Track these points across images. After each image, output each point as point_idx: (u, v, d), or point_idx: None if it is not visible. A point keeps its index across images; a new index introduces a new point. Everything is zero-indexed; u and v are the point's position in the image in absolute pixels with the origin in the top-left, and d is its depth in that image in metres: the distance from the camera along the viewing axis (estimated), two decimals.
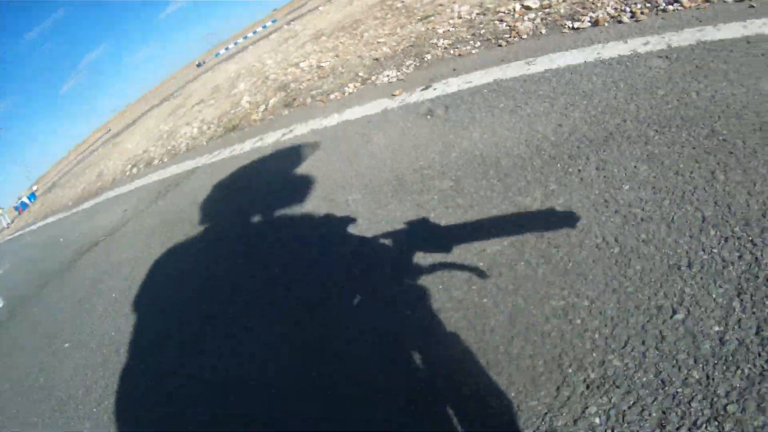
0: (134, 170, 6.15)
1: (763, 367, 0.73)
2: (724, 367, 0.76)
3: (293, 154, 2.73)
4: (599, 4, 2.36)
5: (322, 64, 4.16)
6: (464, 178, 1.61)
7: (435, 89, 2.45)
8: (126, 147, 9.70)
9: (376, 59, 3.51)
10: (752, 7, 1.70)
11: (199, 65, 30.54)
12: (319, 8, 9.08)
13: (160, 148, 6.09)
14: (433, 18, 3.68)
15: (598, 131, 1.48)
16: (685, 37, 1.71)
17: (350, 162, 2.23)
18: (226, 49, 28.62)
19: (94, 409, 1.62)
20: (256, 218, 2.26)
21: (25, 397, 2.04)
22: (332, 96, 3.38)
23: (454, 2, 3.75)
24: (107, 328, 2.16)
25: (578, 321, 0.96)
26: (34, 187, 27.88)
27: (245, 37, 27.83)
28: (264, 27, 19.41)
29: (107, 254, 3.30)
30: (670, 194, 1.13)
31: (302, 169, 2.47)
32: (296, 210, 2.06)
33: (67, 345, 2.28)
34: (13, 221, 19.69)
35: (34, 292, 3.67)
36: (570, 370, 0.88)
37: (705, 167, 1.16)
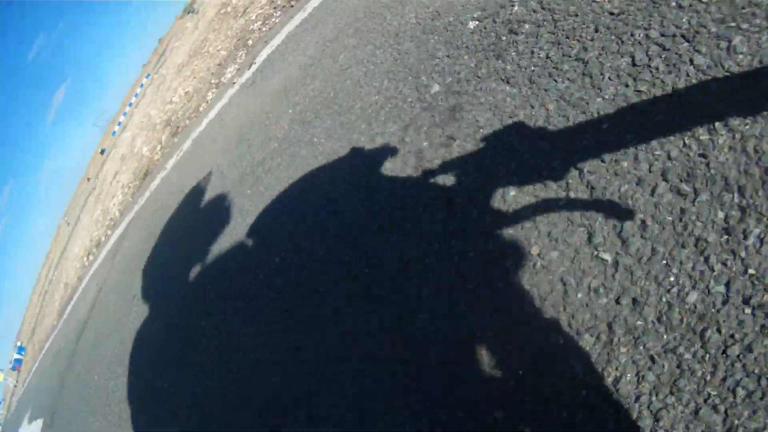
0: (90, 258, 6.71)
1: None
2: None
3: (188, 170, 3.44)
4: None
5: (187, 90, 4.80)
6: (277, 109, 2.38)
7: (255, 64, 3.17)
8: (74, 252, 10.12)
9: (219, 64, 4.18)
10: None
11: (102, 152, 29.85)
12: (175, 44, 9.49)
13: (100, 229, 6.65)
14: (248, 9, 4.35)
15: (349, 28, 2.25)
16: None
17: (216, 142, 2.96)
18: (119, 124, 28.02)
19: None
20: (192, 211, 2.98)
21: None
22: (201, 109, 4.06)
23: None
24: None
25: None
26: (18, 342, 27.36)
27: (130, 104, 27.25)
28: (141, 86, 19.27)
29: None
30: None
31: (196, 170, 3.19)
32: (206, 186, 2.80)
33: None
34: (17, 381, 19.76)
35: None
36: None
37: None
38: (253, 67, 3.15)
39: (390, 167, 1.37)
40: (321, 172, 1.68)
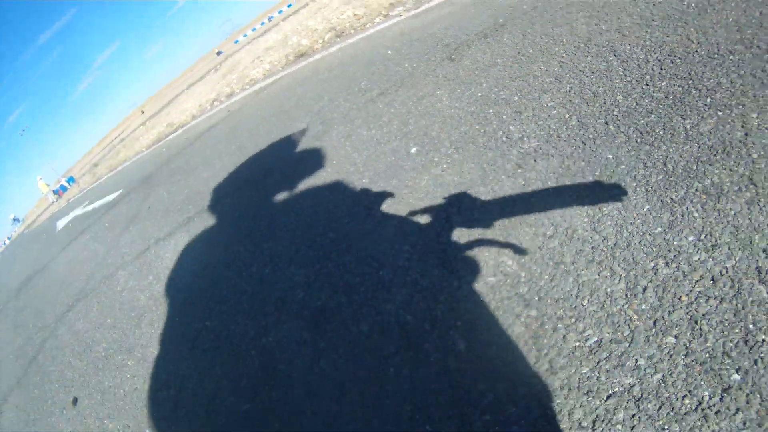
0: (215, 103, 8.79)
1: None
2: None
3: (349, 53, 5.25)
4: None
5: (357, 12, 6.69)
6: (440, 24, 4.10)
7: (425, 5, 4.94)
8: (186, 105, 12.42)
9: (391, 3, 6.01)
10: None
11: (219, 53, 33.45)
12: None
13: (234, 86, 8.71)
14: None
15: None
16: None
17: (384, 38, 4.74)
18: (244, 35, 31.37)
19: None
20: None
21: None
22: (367, 26, 5.90)
23: None
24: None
25: None
26: (69, 175, 31.09)
27: (262, 23, 30.59)
28: (289, 6, 21.78)
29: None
30: None
31: (359, 52, 4.97)
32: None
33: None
34: (56, 201, 23.53)
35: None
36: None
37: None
38: (423, 8, 4.91)
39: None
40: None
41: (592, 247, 1.22)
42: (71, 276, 4.98)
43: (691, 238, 1.09)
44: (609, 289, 1.11)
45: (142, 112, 35.79)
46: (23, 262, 10.70)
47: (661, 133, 1.42)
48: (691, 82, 1.51)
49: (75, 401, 2.59)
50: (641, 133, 1.46)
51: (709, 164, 1.23)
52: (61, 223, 11.42)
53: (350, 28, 6.22)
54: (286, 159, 3.32)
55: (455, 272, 1.44)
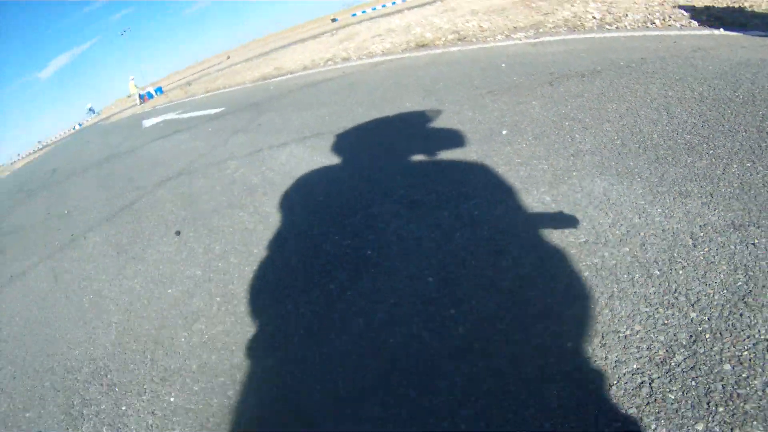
0: (329, 63, 10.01)
1: None
2: None
3: (478, 53, 6.22)
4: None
5: (483, 25, 7.66)
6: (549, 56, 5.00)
7: (543, 37, 5.83)
8: (297, 57, 13.80)
9: (515, 27, 6.94)
10: None
11: (334, 20, 35.35)
12: None
13: (351, 53, 9.90)
14: (547, 13, 7.04)
15: None
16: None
17: (492, 57, 5.68)
18: (363, 11, 33.06)
19: None
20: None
21: None
22: (488, 40, 6.86)
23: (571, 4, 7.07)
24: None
25: None
26: (156, 86, 33.72)
27: (384, 6, 32.05)
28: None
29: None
30: None
31: (473, 57, 5.94)
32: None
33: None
34: (140, 104, 26.66)
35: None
36: None
37: None
38: (541, 39, 5.81)
39: None
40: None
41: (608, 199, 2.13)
42: (168, 159, 6.21)
43: (659, 210, 1.98)
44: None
45: (228, 57, 38.41)
46: (102, 145, 12.34)
47: (670, 160, 2.30)
48: (706, 142, 2.37)
49: (178, 233, 3.52)
50: (659, 158, 2.35)
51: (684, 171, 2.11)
52: (148, 123, 13.07)
53: (472, 36, 7.20)
54: (403, 115, 4.34)
55: (515, 199, 2.39)
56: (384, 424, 1.40)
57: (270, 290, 2.35)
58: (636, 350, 1.37)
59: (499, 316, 1.65)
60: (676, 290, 1.53)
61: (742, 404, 1.12)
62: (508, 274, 1.84)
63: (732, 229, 1.71)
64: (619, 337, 1.43)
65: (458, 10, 10.45)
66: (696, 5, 5.02)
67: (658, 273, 1.63)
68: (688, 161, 2.22)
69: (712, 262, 1.60)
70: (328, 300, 2.07)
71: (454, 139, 3.33)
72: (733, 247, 1.63)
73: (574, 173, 2.44)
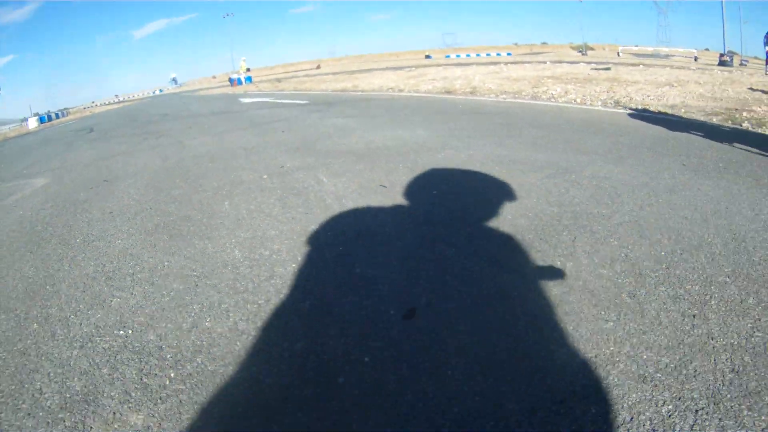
0: (389, 91, 14.08)
1: None
2: None
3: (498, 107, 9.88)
4: None
5: (491, 87, 11.31)
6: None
7: (514, 99, 9.37)
8: (373, 80, 18.15)
9: (507, 92, 10.52)
10: None
11: (427, 56, 40.41)
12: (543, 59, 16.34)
13: (405, 87, 13.90)
14: (541, 89, 10.55)
15: None
16: None
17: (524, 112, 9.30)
18: (457, 56, 37.77)
19: None
20: None
21: None
22: (486, 95, 10.48)
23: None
24: None
25: None
26: (242, 75, 39.32)
27: (478, 55, 36.65)
28: (509, 54, 27.05)
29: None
30: None
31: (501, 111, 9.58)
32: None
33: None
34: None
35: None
36: None
37: None
38: (515, 99, 9.35)
39: None
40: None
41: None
42: (271, 118, 10.28)
43: None
44: None
45: (318, 66, 44.70)
46: (207, 106, 16.80)
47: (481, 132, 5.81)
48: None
49: (283, 131, 7.49)
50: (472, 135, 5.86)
51: None
52: (245, 100, 17.68)
53: (482, 91, 10.87)
54: (398, 117, 8.05)
55: None
56: None
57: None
58: None
59: None
60: None
61: None
62: None
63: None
64: None
65: (500, 73, 14.23)
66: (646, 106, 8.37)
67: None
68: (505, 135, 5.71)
69: None
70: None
71: (414, 127, 6.97)
72: None
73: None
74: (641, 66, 16.35)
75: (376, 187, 3.59)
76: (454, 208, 2.99)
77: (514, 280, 2.03)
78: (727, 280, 1.92)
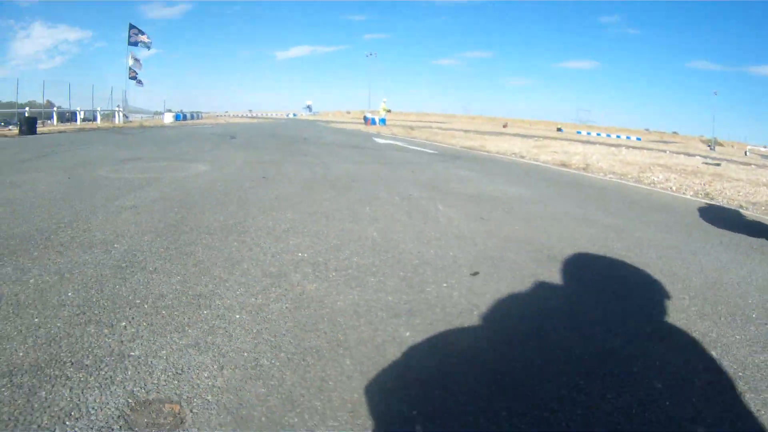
0: (512, 155, 15.86)
1: None
2: None
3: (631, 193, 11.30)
4: None
5: (603, 166, 12.53)
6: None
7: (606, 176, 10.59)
8: (497, 144, 20.05)
9: (614, 172, 11.68)
10: None
11: (559, 129, 41.40)
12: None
13: (526, 154, 15.58)
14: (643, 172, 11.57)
15: None
16: None
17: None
18: (588, 133, 38.30)
19: None
20: None
21: None
22: (591, 171, 11.76)
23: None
24: None
25: None
26: (384, 116, 42.81)
27: (609, 135, 36.90)
28: (638, 139, 27.55)
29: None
30: None
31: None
32: None
33: None
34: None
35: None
36: None
37: None
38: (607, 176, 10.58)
39: None
40: None
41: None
42: (401, 159, 12.60)
43: None
44: None
45: (505, 125, 47.54)
46: (344, 138, 19.83)
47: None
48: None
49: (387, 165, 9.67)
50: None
51: None
52: (379, 140, 20.50)
53: (592, 168, 12.19)
54: (497, 170, 9.82)
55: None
56: None
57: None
58: None
59: None
60: None
61: None
62: None
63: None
64: None
65: (617, 156, 15.29)
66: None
67: None
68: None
69: None
70: None
71: (520, 186, 8.72)
72: None
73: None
74: (753, 166, 16.24)
75: (477, 217, 5.42)
76: (532, 237, 4.72)
77: None
78: None
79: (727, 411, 1.76)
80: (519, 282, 3.21)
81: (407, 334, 2.32)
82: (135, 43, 38.85)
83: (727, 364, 2.10)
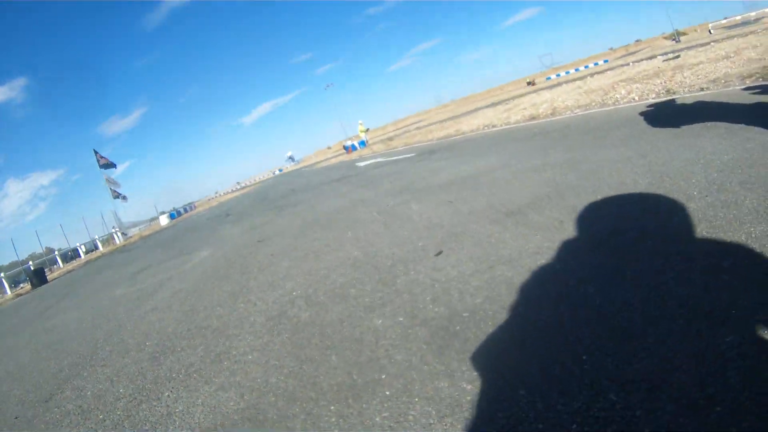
0: (485, 128, 16.42)
1: None
2: None
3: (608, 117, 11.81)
4: None
5: (568, 104, 13.02)
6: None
7: (573, 113, 11.08)
8: (470, 122, 20.64)
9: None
10: None
11: (529, 83, 41.85)
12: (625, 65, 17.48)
13: (497, 122, 16.12)
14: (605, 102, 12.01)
15: None
16: None
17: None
18: (558, 75, 38.70)
19: None
20: None
21: None
22: (566, 113, 12.26)
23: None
24: None
25: None
26: (363, 138, 43.79)
27: (577, 69, 37.18)
28: (605, 61, 28.02)
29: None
30: None
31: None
32: None
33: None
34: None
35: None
36: None
37: None
38: (575, 112, 11.07)
39: None
40: None
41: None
42: (383, 174, 13.25)
43: None
44: None
45: (420, 120, 48.12)
46: (327, 175, 20.60)
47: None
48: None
49: (380, 185, 10.32)
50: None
51: None
52: (361, 163, 21.23)
53: (562, 111, 12.69)
54: (469, 150, 10.38)
55: None
56: None
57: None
58: None
59: None
60: None
61: None
62: None
63: None
64: None
65: (581, 88, 15.74)
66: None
67: None
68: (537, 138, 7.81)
69: None
70: None
71: (489, 156, 9.28)
72: None
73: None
74: (711, 43, 16.54)
75: (445, 203, 5.99)
76: (493, 202, 5.29)
77: None
78: None
79: None
80: (477, 245, 3.78)
81: (379, 321, 2.92)
82: (104, 166, 41.02)
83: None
